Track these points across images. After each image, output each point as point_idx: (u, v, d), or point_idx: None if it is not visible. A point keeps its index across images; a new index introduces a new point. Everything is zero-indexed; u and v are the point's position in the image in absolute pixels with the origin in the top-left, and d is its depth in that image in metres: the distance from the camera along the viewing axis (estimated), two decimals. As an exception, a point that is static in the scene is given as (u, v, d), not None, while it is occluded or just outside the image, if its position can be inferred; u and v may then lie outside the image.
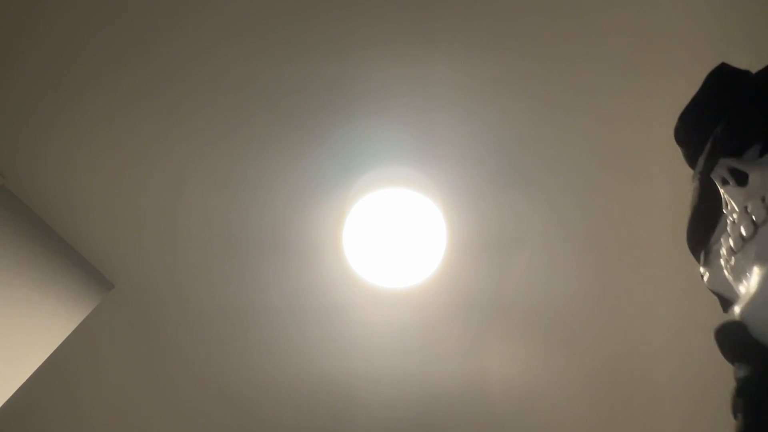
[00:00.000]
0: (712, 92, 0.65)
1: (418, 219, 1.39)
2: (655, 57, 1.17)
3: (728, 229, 0.59)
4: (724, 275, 0.60)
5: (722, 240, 0.60)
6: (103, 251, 1.43)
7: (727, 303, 0.65)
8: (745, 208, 0.57)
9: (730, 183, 0.59)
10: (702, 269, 0.65)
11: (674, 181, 1.28)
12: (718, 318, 0.56)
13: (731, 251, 0.58)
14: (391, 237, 1.40)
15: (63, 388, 1.65)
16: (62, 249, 1.39)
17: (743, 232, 0.56)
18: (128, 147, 1.30)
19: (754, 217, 0.56)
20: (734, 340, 0.52)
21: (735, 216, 0.58)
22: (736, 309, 0.54)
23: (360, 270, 1.43)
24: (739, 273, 0.57)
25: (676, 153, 1.26)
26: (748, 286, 0.54)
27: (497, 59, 1.19)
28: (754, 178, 0.57)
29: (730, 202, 0.59)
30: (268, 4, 1.13)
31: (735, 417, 0.52)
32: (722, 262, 0.61)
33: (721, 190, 0.60)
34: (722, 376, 1.48)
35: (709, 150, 0.62)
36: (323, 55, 1.20)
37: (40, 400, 1.68)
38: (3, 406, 1.21)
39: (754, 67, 0.66)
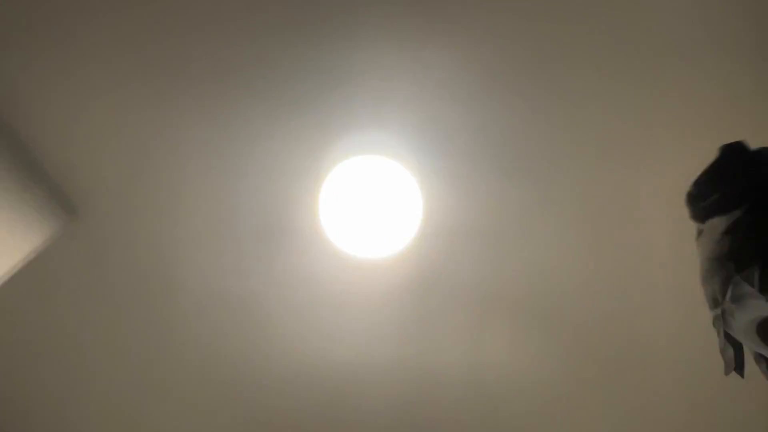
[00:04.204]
0: (724, 165, 0.85)
1: (394, 188, 1.37)
2: (654, 48, 1.19)
3: None
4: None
5: None
6: (69, 178, 1.40)
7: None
8: None
9: None
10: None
11: (659, 160, 1.33)
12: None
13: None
14: (367, 205, 1.40)
15: (14, 316, 1.60)
16: (30, 167, 1.35)
17: None
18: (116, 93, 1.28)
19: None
20: None
21: None
22: None
23: (336, 239, 1.42)
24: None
25: (657, 135, 1.25)
26: None
27: (481, 40, 1.20)
28: None
29: None
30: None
31: None
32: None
33: None
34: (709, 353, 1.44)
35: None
36: (297, 29, 1.19)
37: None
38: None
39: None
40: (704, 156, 0.90)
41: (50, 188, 1.37)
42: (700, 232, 0.98)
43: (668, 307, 1.51)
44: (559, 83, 1.25)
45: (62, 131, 1.34)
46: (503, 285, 1.51)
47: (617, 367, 1.61)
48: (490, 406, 1.68)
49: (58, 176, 1.38)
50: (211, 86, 1.28)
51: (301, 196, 1.41)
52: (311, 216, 1.43)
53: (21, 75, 1.26)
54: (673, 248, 1.40)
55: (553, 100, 1.28)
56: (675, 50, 1.19)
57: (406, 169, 1.35)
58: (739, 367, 0.98)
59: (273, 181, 1.40)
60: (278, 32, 1.22)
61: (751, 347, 0.94)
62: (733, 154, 0.85)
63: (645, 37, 1.19)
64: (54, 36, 1.22)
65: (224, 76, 1.27)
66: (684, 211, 0.90)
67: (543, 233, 1.43)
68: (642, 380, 1.62)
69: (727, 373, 1.05)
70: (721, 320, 0.90)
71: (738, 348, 0.97)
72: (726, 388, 1.51)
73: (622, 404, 1.67)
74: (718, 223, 0.86)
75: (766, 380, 1.03)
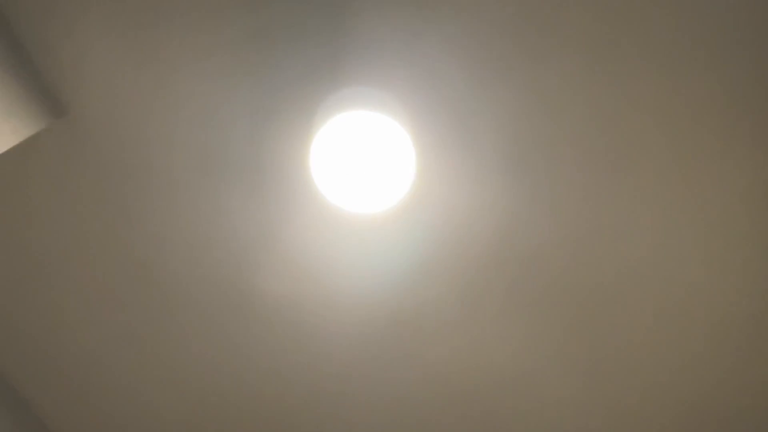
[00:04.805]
0: None
1: (387, 142, 1.37)
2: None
3: None
4: None
5: None
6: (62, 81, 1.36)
7: None
8: None
9: None
10: None
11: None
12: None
13: None
14: (359, 160, 1.38)
15: None
16: (23, 64, 1.32)
17: None
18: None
19: None
20: None
21: None
22: None
23: (328, 194, 1.41)
24: None
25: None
26: None
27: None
28: None
29: None
30: None
31: None
32: None
33: None
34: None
35: None
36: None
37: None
38: None
39: None
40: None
41: (41, 87, 1.34)
42: None
43: (674, 289, 1.51)
44: (564, 68, 1.25)
45: (62, 37, 1.30)
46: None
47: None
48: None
49: (51, 77, 1.35)
50: (207, 27, 1.26)
51: (293, 148, 1.41)
52: (303, 169, 1.43)
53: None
54: (666, 237, 1.41)
55: (554, 85, 1.27)
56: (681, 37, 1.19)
57: (400, 125, 1.35)
58: None
59: (265, 129, 1.40)
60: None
61: None
62: None
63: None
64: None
65: (219, 19, 1.25)
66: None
67: (536, 174, 1.42)
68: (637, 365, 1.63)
69: None
70: None
71: None
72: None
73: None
74: None
75: None
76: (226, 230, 1.53)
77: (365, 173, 1.38)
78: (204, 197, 1.48)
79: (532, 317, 1.59)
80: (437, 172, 1.41)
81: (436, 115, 1.34)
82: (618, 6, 1.17)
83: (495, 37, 1.24)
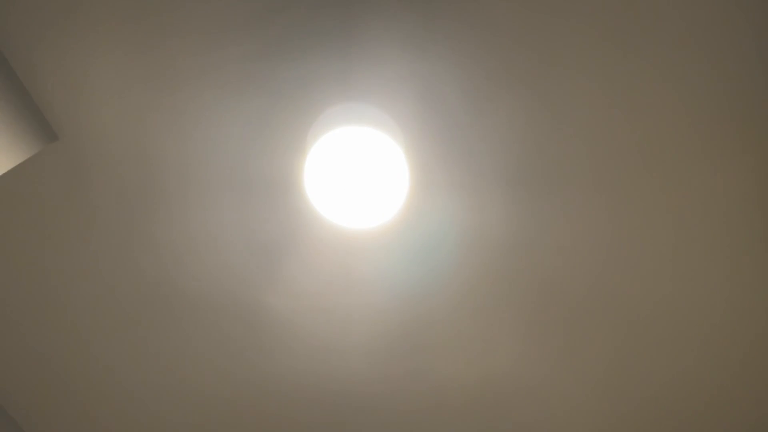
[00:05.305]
0: None
1: (380, 157, 1.36)
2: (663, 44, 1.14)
3: None
4: None
5: None
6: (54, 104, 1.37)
7: None
8: None
9: None
10: None
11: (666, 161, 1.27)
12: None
13: None
14: (353, 175, 1.38)
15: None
16: (13, 89, 1.32)
17: None
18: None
19: None
20: None
21: None
22: None
23: (322, 209, 1.41)
24: None
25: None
26: None
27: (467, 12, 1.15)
28: None
29: None
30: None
31: None
32: None
33: None
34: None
35: None
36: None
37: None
38: None
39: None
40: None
41: (32, 113, 1.34)
42: None
43: (685, 307, 1.48)
44: (563, 83, 1.24)
45: (56, 60, 1.31)
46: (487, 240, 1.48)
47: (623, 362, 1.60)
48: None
49: (42, 102, 1.35)
50: (205, 40, 1.26)
51: (287, 165, 1.41)
52: (297, 185, 1.43)
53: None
54: (683, 251, 1.40)
55: (553, 99, 1.27)
56: (685, 45, 1.17)
57: (393, 140, 1.34)
58: None
59: (259, 147, 1.40)
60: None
61: None
62: None
63: (655, 32, 1.17)
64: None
65: (218, 33, 1.25)
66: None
67: (528, 186, 1.40)
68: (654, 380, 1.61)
69: None
70: None
71: None
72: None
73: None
74: None
75: None
76: (223, 245, 1.53)
77: (359, 189, 1.38)
78: (202, 212, 1.48)
79: (541, 329, 1.58)
80: (431, 187, 1.40)
81: (429, 130, 1.34)
82: (621, 19, 1.16)
83: (492, 52, 1.23)
